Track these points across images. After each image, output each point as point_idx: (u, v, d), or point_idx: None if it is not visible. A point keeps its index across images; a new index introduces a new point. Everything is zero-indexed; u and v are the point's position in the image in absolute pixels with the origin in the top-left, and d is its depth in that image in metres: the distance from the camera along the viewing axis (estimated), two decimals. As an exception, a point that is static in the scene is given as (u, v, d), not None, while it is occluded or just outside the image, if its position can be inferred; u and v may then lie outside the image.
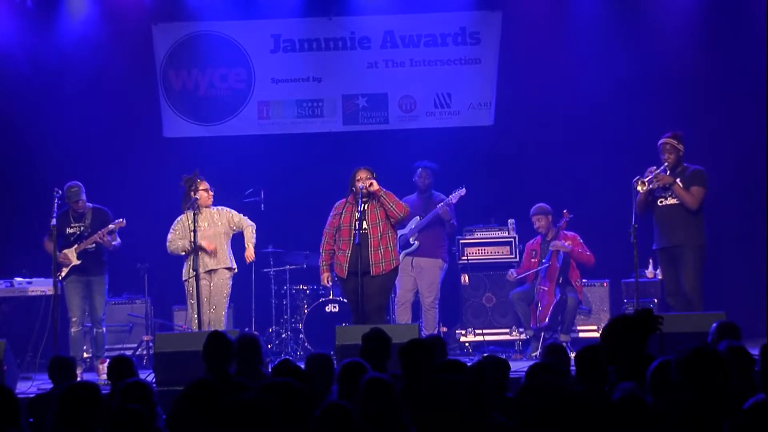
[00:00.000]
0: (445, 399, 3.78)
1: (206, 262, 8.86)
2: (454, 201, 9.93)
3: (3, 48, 11.07)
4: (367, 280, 8.37)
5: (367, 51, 11.43)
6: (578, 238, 9.90)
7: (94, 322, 9.29)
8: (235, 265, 9.10)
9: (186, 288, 9.00)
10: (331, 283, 9.10)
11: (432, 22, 11.39)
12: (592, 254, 9.85)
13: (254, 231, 9.15)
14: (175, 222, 9.04)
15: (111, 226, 9.22)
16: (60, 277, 9.13)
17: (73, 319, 9.24)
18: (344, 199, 8.69)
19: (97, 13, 11.20)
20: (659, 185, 8.70)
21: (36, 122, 11.11)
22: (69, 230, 9.23)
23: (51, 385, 6.23)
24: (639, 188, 8.61)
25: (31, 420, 5.44)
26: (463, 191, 9.92)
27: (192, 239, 8.74)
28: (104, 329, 9.37)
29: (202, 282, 8.78)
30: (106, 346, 9.51)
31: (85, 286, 9.25)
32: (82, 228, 9.25)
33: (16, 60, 11.06)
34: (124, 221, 9.27)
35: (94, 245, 9.20)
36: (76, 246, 9.19)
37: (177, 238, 8.95)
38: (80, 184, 9.25)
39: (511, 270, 10.11)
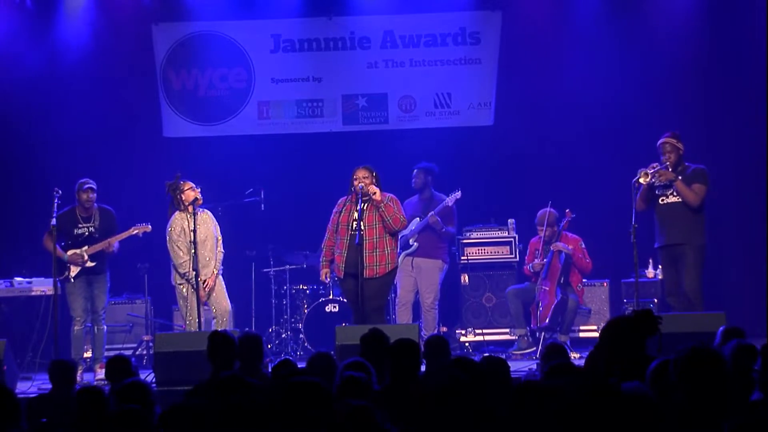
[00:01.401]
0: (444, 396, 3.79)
1: (202, 271, 8.82)
2: (450, 203, 9.93)
3: (2, 48, 11.07)
4: (363, 282, 8.36)
5: (367, 51, 11.42)
6: (581, 243, 9.89)
7: (95, 319, 9.27)
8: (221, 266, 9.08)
9: (178, 291, 8.99)
10: (329, 279, 9.09)
11: (432, 22, 11.38)
12: (591, 262, 9.86)
13: (218, 232, 9.04)
14: (169, 227, 8.93)
15: (133, 231, 9.21)
16: (71, 277, 9.12)
17: (77, 318, 9.23)
18: (345, 197, 8.69)
19: (96, 13, 11.20)
20: (661, 180, 8.69)
21: (36, 122, 11.11)
22: (77, 231, 9.20)
23: (51, 386, 6.23)
24: (642, 179, 8.59)
25: (45, 420, 5.45)
26: (458, 194, 9.92)
27: (192, 239, 8.72)
28: (105, 327, 9.35)
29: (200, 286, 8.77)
30: (106, 346, 9.51)
31: (89, 284, 9.25)
32: (91, 229, 9.24)
33: (15, 60, 11.05)
34: (150, 227, 9.23)
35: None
36: (86, 247, 9.17)
37: (186, 256, 8.88)
38: (94, 183, 9.24)
39: (536, 261, 10.00)
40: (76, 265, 9.15)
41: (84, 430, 4.47)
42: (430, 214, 9.89)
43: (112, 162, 11.06)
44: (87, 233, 9.22)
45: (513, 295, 9.98)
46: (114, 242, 9.17)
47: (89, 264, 9.17)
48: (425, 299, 9.97)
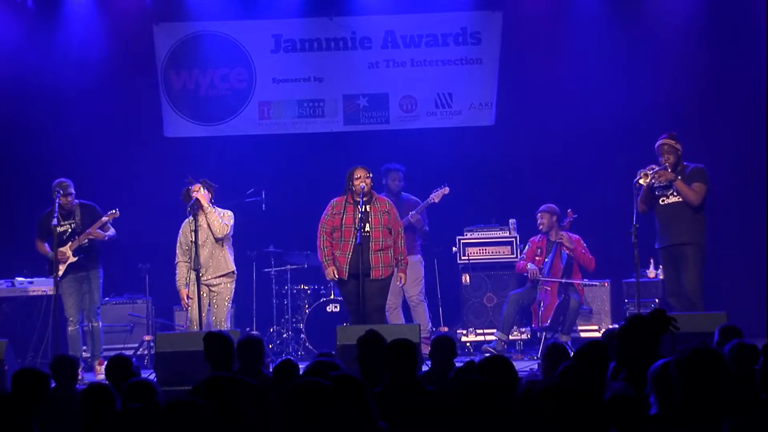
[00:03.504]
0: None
1: (206, 272, 8.78)
2: (436, 200, 9.92)
3: (3, 48, 11.07)
4: (366, 283, 8.34)
5: (368, 51, 11.43)
6: (582, 242, 9.89)
7: (90, 316, 9.24)
8: (234, 268, 8.94)
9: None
10: (338, 277, 8.84)
11: (433, 22, 11.39)
12: (594, 258, 9.84)
13: (230, 220, 8.78)
14: (181, 229, 8.92)
15: (104, 218, 9.22)
16: (59, 277, 9.11)
17: (70, 318, 9.22)
18: (341, 197, 8.63)
19: (97, 13, 11.21)
20: (661, 181, 8.70)
21: (37, 122, 11.10)
22: (60, 229, 9.19)
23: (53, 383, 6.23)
24: (642, 181, 8.60)
25: None
26: (446, 189, 9.90)
27: (192, 239, 8.70)
28: (100, 324, 9.31)
29: (202, 289, 8.72)
30: (107, 346, 9.51)
31: (81, 282, 9.24)
32: (73, 225, 9.24)
33: (16, 60, 11.06)
34: (117, 211, 9.22)
35: (87, 241, 9.19)
36: (70, 243, 9.18)
37: (183, 262, 8.84)
38: (71, 184, 9.23)
39: (531, 267, 9.98)
40: (61, 262, 9.14)
41: (92, 429, 4.46)
42: (411, 213, 9.86)
43: (113, 162, 11.07)
44: (69, 230, 9.22)
45: (513, 301, 9.87)
46: (95, 231, 9.15)
47: (72, 259, 9.16)
48: (412, 293, 9.91)
